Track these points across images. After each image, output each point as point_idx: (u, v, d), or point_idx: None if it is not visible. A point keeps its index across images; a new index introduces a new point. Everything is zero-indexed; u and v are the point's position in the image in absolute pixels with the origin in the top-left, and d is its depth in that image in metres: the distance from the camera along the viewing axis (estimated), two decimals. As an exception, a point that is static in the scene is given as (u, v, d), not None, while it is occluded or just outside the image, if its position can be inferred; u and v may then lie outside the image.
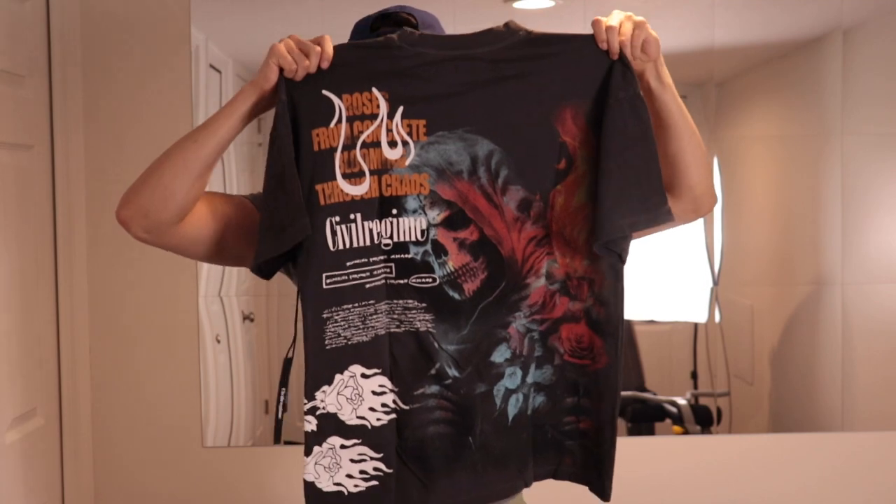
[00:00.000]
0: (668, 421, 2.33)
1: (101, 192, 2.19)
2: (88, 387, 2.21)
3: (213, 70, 2.22)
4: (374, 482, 1.30)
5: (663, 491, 2.26)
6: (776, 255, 2.34)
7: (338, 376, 1.29)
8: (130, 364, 2.22)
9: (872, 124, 2.29)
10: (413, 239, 1.28)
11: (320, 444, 1.29)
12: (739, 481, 2.28)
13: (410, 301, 1.29)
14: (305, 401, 1.29)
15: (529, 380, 1.33)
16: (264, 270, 1.29)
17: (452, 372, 1.30)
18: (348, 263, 1.27)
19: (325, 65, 1.23)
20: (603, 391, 1.33)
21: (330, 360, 1.28)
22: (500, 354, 1.31)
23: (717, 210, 2.30)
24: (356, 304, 1.28)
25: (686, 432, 2.31)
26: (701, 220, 2.30)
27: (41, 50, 2.07)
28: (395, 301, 1.29)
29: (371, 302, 1.28)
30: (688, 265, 2.34)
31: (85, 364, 2.20)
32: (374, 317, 1.29)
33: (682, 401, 2.33)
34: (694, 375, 2.35)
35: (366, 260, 1.28)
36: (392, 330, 1.30)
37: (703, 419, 2.32)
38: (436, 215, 1.28)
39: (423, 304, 1.29)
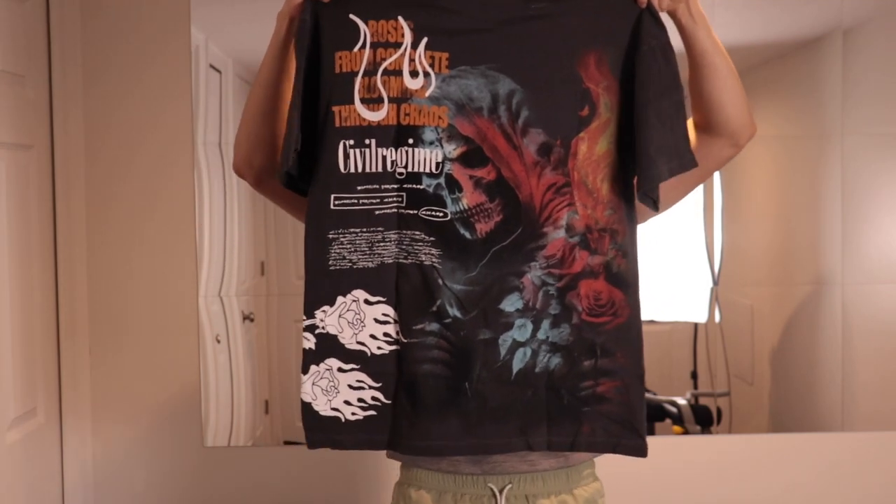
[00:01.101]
0: (668, 421, 2.33)
1: (101, 192, 2.19)
2: (88, 387, 2.21)
3: (213, 70, 2.22)
4: (372, 412, 1.30)
5: (663, 491, 2.26)
6: (776, 255, 2.34)
7: (340, 298, 1.29)
8: (130, 364, 2.22)
9: (872, 124, 2.28)
10: (427, 170, 1.28)
11: (317, 364, 1.29)
12: (739, 481, 2.28)
13: (418, 233, 1.29)
14: (304, 317, 1.29)
15: (541, 336, 1.30)
16: (301, 189, 1.34)
17: (454, 312, 1.28)
18: (359, 188, 1.28)
19: None
20: (627, 345, 1.32)
21: (333, 281, 1.28)
22: (510, 303, 1.29)
23: (717, 210, 2.30)
24: (363, 230, 1.28)
25: (686, 432, 2.31)
26: (701, 221, 2.30)
27: (41, 50, 2.07)
28: (405, 231, 1.29)
29: (380, 229, 1.29)
30: (688, 265, 2.34)
31: (85, 364, 2.20)
32: (382, 244, 1.29)
33: (682, 401, 2.33)
34: (694, 375, 2.35)
35: (377, 186, 1.28)
36: (400, 260, 1.29)
37: (703, 419, 2.31)
38: (452, 149, 1.27)
39: (431, 238, 1.28)
